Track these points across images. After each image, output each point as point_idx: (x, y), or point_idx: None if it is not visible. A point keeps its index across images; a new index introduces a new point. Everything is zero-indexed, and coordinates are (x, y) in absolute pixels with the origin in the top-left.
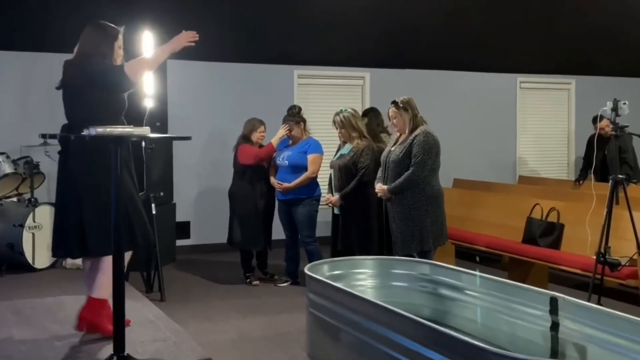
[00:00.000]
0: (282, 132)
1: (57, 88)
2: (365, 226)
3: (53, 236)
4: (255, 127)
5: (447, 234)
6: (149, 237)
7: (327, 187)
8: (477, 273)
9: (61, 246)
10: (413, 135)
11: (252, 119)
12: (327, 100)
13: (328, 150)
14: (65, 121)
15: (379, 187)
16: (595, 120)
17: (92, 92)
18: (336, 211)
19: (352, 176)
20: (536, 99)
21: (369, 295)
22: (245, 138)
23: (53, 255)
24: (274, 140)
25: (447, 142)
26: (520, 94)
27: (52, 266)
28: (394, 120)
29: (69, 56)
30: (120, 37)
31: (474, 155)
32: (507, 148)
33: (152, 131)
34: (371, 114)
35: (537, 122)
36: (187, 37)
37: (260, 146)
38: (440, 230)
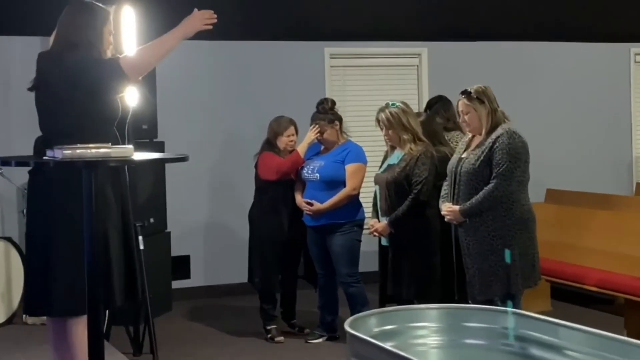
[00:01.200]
0: (310, 135)
1: (30, 89)
2: (425, 262)
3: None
4: (282, 128)
5: (540, 270)
6: (135, 294)
7: (371, 209)
8: (580, 327)
9: (24, 298)
10: (493, 136)
11: (279, 117)
12: (370, 88)
13: (372, 159)
14: (38, 132)
15: (447, 207)
16: None
17: (74, 94)
18: (384, 242)
19: (405, 194)
20: None
21: (434, 359)
22: (270, 144)
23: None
24: (301, 147)
25: (535, 141)
26: (636, 70)
27: (9, 321)
28: (465, 117)
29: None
30: (111, 19)
31: (572, 158)
32: (618, 146)
33: (138, 144)
34: (439, 105)
35: None
36: (202, 18)
37: (290, 153)
38: (531, 266)
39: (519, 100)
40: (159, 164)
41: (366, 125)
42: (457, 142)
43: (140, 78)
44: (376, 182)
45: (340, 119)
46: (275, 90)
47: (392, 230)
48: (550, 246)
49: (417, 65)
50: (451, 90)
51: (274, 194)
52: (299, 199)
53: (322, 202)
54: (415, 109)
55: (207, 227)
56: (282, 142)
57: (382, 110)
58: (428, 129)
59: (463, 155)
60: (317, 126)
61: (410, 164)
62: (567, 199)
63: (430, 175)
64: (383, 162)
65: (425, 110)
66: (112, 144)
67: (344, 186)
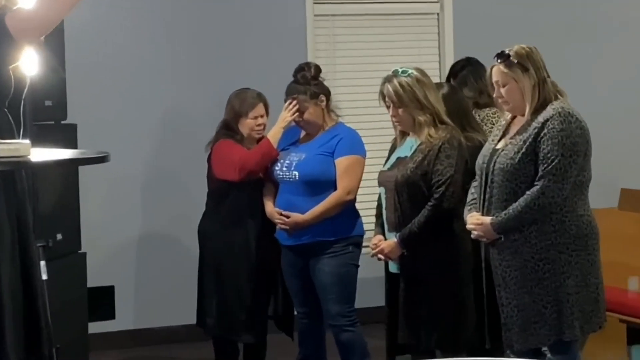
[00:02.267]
0: (286, 116)
1: None
2: (452, 297)
3: None
4: (246, 106)
5: (606, 305)
6: (38, 347)
7: (373, 221)
8: None
9: None
10: (540, 119)
11: (242, 91)
12: (371, 48)
13: (375, 151)
14: None
15: (476, 219)
16: None
17: None
18: (393, 268)
19: (423, 199)
20: None
21: None
22: (229, 128)
23: None
24: (273, 134)
25: (602, 125)
26: None
27: None
28: (502, 91)
29: None
30: None
31: None
32: None
33: (41, 129)
34: (467, 71)
35: None
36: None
37: (258, 141)
38: (594, 302)
39: (580, 68)
40: (70, 138)
41: (365, 101)
42: (494, 124)
43: (40, 38)
44: (381, 184)
45: (327, 93)
46: (236, 53)
47: (405, 251)
48: (623, 271)
49: (438, 13)
50: (485, 50)
51: (236, 201)
52: (270, 207)
53: (302, 212)
54: (435, 78)
55: (139, 246)
56: (247, 126)
57: (388, 80)
58: (454, 107)
59: (498, 146)
60: (294, 103)
61: (430, 157)
62: None
63: (458, 173)
64: (390, 154)
65: (449, 79)
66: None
67: (334, 189)
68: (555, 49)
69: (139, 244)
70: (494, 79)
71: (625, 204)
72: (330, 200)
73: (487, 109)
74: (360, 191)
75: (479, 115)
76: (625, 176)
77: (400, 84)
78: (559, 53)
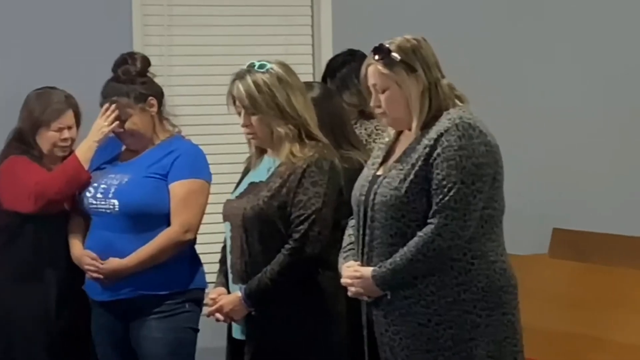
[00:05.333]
0: (102, 125)
1: None
2: None
3: None
4: (49, 113)
5: None
6: None
7: (217, 269)
8: None
9: None
10: (433, 134)
11: (44, 91)
12: (219, 38)
13: (224, 174)
14: None
15: (353, 270)
16: None
17: None
18: (237, 333)
19: (279, 241)
20: None
21: None
22: (22, 140)
23: None
24: (83, 149)
25: (528, 141)
26: None
27: None
28: (381, 98)
29: None
30: None
31: (602, 169)
32: None
33: None
34: (349, 69)
35: None
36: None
37: (63, 160)
38: None
39: (503, 69)
40: None
41: (212, 106)
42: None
43: None
44: (226, 217)
45: (159, 94)
46: (37, 39)
47: (252, 310)
48: (555, 339)
49: (310, 6)
50: (375, 40)
51: (31, 241)
52: (78, 249)
53: (123, 256)
54: (307, 76)
55: None
56: (48, 139)
57: (239, 77)
58: (327, 116)
59: (380, 172)
60: (113, 108)
61: (290, 184)
62: (593, 250)
63: (327, 207)
64: (242, 178)
65: (325, 79)
66: None
67: (168, 225)
68: (470, 39)
69: None
70: (370, 81)
71: (558, 250)
72: (162, 239)
73: (374, 120)
74: (202, 229)
75: (365, 129)
76: (559, 212)
77: (255, 83)
78: (476, 44)
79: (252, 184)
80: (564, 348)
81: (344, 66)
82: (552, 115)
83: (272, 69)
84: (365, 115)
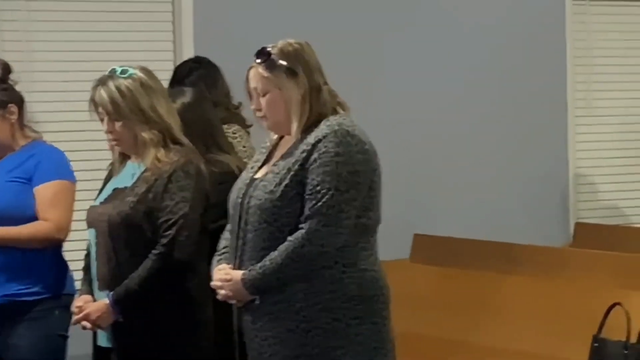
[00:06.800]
0: None
1: None
2: None
3: None
4: None
5: None
6: None
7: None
8: None
9: None
10: (311, 139)
11: None
12: (81, 44)
13: (84, 180)
14: None
15: (224, 273)
16: None
17: None
18: (103, 341)
19: (146, 247)
20: (613, 29)
21: None
22: None
23: None
24: None
25: (398, 149)
26: (573, 20)
27: None
28: (262, 101)
29: None
30: None
31: (460, 178)
32: (545, 157)
33: None
34: (198, 75)
35: (621, 84)
36: None
37: None
38: None
39: (377, 74)
40: None
41: (74, 112)
42: (248, 147)
43: None
44: (90, 224)
45: (19, 101)
46: None
47: (120, 317)
48: (417, 343)
49: (171, 2)
50: (241, 45)
51: None
52: None
53: None
54: (168, 82)
55: None
56: None
57: (101, 83)
58: (199, 120)
59: (258, 175)
60: None
61: (157, 189)
62: (454, 255)
63: (195, 212)
64: (105, 184)
65: (172, 85)
66: None
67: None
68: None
69: None
70: (251, 84)
71: (418, 254)
72: (34, 227)
73: (226, 125)
74: (70, 236)
75: (230, 134)
76: (422, 219)
77: (119, 89)
78: (351, 52)
79: (116, 189)
80: (427, 352)
81: (191, 74)
82: (411, 123)
83: (134, 74)
84: (226, 120)
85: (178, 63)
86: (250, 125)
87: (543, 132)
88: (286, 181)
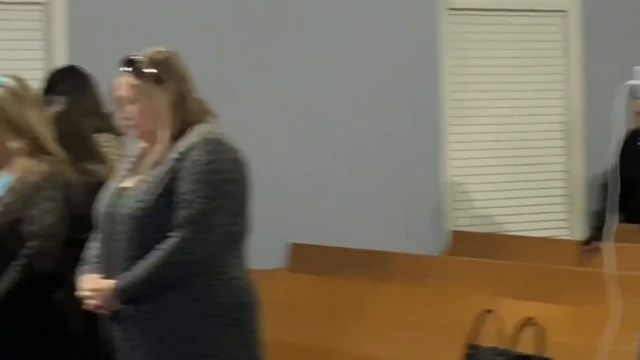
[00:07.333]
0: None
1: None
2: None
3: None
4: None
5: None
6: None
7: None
8: None
9: None
10: (180, 147)
11: None
12: None
13: None
14: None
15: (95, 283)
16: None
17: None
18: None
19: (9, 258)
20: (486, 38)
21: None
22: None
23: None
24: None
25: (270, 155)
26: (452, 29)
27: None
28: (130, 110)
29: None
30: None
31: (345, 190)
32: (419, 165)
33: None
34: (71, 84)
35: (493, 92)
36: None
37: None
38: None
39: (250, 75)
40: None
41: None
42: (120, 156)
43: None
44: None
45: None
46: None
47: None
48: (294, 352)
49: (46, 2)
50: (105, 50)
51: None
52: None
53: None
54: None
55: None
56: None
57: None
58: (70, 130)
59: (126, 184)
60: None
61: (24, 199)
62: (330, 264)
63: (61, 223)
64: None
65: (45, 93)
66: None
67: None
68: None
69: None
70: (119, 93)
71: (295, 263)
72: None
73: (98, 134)
74: None
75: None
76: (295, 228)
77: None
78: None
79: None
80: None
81: (63, 82)
82: (287, 132)
83: (5, 84)
84: (99, 129)
85: (53, 70)
86: (123, 134)
87: (417, 142)
88: (156, 190)
